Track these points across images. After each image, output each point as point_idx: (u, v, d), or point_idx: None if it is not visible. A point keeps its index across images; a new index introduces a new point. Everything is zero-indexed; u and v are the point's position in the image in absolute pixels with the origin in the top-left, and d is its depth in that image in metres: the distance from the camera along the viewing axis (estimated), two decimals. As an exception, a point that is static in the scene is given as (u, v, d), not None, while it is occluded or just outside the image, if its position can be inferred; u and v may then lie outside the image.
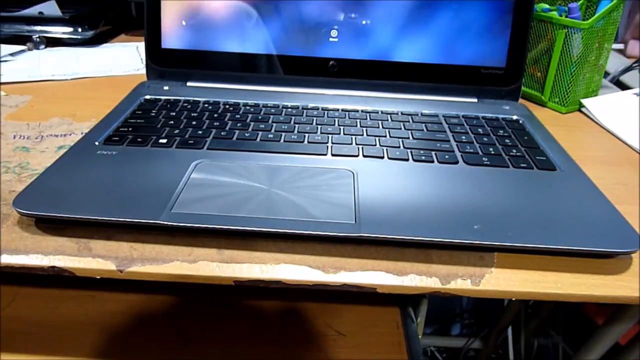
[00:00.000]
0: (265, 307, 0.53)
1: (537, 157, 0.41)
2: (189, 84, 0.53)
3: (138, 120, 0.45)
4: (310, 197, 0.34)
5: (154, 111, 0.47)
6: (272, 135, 0.43)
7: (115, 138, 0.41)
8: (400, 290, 0.30)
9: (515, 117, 0.49)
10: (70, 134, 0.46)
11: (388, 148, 0.41)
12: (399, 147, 0.42)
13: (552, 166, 0.40)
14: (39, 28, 0.73)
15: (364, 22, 0.51)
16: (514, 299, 0.30)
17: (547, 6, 0.56)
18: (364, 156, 0.40)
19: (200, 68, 0.53)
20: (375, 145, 0.42)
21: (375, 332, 0.50)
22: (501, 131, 0.46)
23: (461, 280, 0.30)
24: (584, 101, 0.56)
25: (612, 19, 0.54)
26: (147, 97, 0.50)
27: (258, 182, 0.35)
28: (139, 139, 0.41)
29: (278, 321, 0.51)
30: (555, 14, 0.55)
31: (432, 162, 0.40)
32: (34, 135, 0.45)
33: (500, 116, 0.49)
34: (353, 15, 0.51)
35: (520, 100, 0.53)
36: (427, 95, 0.53)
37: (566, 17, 0.54)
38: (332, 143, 0.42)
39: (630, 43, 0.80)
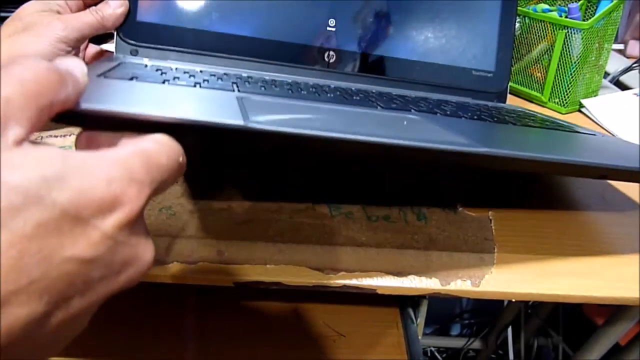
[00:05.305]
0: (265, 307, 0.53)
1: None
2: (169, 62, 0.45)
3: (134, 70, 0.35)
4: None
5: (147, 68, 0.39)
6: None
7: (117, 75, 0.32)
8: (400, 292, 0.30)
9: (520, 109, 0.50)
10: (70, 135, 0.46)
11: None
12: None
13: (586, 132, 0.41)
14: (38, 28, 0.73)
15: (362, 14, 0.51)
16: (514, 300, 0.30)
17: (547, 6, 0.56)
18: None
19: (180, 46, 0.46)
20: None
21: (375, 333, 0.50)
22: (520, 113, 0.46)
23: (461, 281, 0.30)
24: (584, 101, 0.56)
25: (612, 19, 0.54)
26: (130, 61, 0.42)
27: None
28: (149, 78, 0.32)
29: (278, 322, 0.51)
30: (555, 14, 0.55)
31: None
32: (33, 136, 0.45)
33: (507, 108, 0.49)
34: (351, 6, 0.51)
35: (520, 101, 0.54)
36: (423, 92, 0.53)
37: (566, 17, 0.54)
38: None
39: (630, 43, 0.80)
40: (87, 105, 0.19)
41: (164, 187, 0.18)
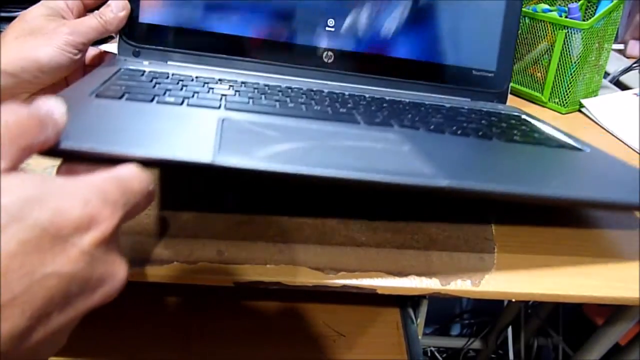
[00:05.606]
0: (265, 307, 0.53)
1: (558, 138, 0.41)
2: (169, 63, 0.47)
3: (129, 82, 0.37)
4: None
5: (142, 77, 0.40)
6: None
7: (109, 92, 0.33)
8: (401, 292, 0.30)
9: (516, 113, 0.49)
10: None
11: None
12: None
13: (574, 147, 0.39)
14: (38, 28, 0.73)
15: (362, 14, 0.51)
16: (514, 300, 0.30)
17: (547, 6, 0.56)
18: None
19: (181, 47, 0.47)
20: None
21: (375, 333, 0.50)
22: (512, 120, 0.46)
23: (461, 281, 0.30)
24: (584, 101, 0.56)
25: (612, 19, 0.54)
26: (129, 67, 0.43)
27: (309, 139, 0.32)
28: (139, 95, 0.34)
29: (278, 321, 0.51)
30: (555, 14, 0.55)
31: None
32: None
33: (503, 112, 0.49)
34: (351, 6, 0.51)
35: (520, 101, 0.54)
36: (422, 92, 0.53)
37: (566, 17, 0.54)
38: None
39: (630, 43, 0.80)
40: (65, 144, 0.21)
41: (135, 211, 0.20)
